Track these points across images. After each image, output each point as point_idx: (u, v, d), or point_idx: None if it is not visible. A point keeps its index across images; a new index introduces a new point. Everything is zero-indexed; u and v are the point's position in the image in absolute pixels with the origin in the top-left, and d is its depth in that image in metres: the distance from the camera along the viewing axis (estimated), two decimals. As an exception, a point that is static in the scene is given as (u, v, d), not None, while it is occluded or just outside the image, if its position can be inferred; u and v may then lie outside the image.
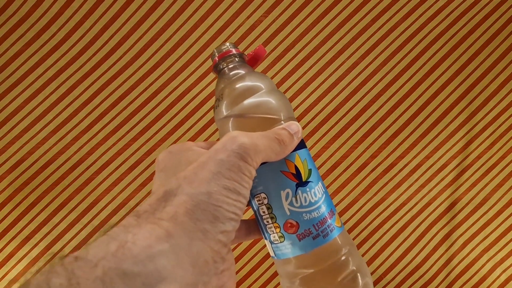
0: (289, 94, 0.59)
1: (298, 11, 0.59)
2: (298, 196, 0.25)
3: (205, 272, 0.20)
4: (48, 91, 0.58)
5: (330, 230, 0.25)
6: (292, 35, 0.59)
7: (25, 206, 0.59)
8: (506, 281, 0.60)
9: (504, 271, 0.60)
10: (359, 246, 0.60)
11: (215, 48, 0.30)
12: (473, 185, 0.60)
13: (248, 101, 0.26)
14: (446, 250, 0.60)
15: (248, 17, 0.59)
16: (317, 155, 0.60)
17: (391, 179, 0.60)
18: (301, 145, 0.27)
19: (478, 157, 0.60)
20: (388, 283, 0.60)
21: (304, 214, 0.25)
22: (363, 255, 0.60)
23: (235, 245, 0.60)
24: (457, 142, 0.60)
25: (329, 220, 0.25)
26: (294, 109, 0.59)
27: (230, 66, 0.29)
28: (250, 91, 0.27)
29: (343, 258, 0.25)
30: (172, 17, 0.59)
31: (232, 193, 0.21)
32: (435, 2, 0.60)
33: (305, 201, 0.25)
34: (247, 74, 0.28)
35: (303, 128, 0.60)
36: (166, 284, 0.18)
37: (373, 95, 0.60)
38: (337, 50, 0.60)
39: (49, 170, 0.59)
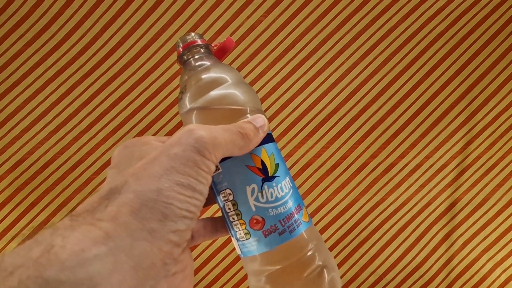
0: (289, 94, 0.59)
1: (298, 11, 0.59)
2: (264, 192, 0.24)
3: (152, 276, 0.18)
4: (48, 91, 0.58)
5: (297, 225, 0.24)
6: (292, 35, 0.59)
7: (25, 206, 0.59)
8: (506, 281, 0.60)
9: (504, 271, 0.60)
10: (359, 246, 0.60)
11: (180, 38, 0.28)
12: (473, 185, 0.60)
13: (213, 93, 0.25)
14: (446, 250, 0.60)
15: (248, 17, 0.59)
16: (317, 155, 0.60)
17: (391, 179, 0.60)
18: (269, 139, 0.26)
19: (478, 157, 0.60)
20: (388, 283, 0.60)
21: (270, 210, 0.24)
22: (363, 255, 0.60)
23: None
24: (457, 142, 0.60)
25: (296, 215, 0.25)
26: (294, 109, 0.59)
27: (195, 57, 0.27)
28: (215, 83, 0.25)
29: (309, 253, 0.25)
30: (172, 17, 0.59)
31: (186, 189, 0.19)
32: (435, 2, 0.60)
33: (271, 196, 0.24)
34: (212, 65, 0.27)
35: (303, 128, 0.60)
36: None
37: (373, 95, 0.60)
38: (337, 50, 0.60)
39: (49, 170, 0.59)
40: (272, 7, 0.59)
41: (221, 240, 0.59)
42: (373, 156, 0.60)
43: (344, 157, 0.60)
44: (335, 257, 0.60)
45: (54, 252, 0.16)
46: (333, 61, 0.60)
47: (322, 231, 0.60)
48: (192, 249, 0.59)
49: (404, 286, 0.60)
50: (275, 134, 0.59)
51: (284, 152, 0.59)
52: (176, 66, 0.59)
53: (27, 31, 0.58)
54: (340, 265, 0.60)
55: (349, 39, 0.60)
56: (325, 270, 0.25)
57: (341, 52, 0.60)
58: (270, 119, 0.59)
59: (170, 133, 0.59)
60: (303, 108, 0.59)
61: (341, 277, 0.60)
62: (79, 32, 0.58)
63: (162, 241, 0.18)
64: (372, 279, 0.60)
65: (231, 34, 0.59)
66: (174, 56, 0.59)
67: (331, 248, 0.60)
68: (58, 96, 0.58)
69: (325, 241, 0.60)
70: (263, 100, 0.59)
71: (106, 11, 0.58)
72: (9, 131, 0.58)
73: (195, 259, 0.59)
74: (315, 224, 0.60)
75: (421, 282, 0.60)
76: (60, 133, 0.59)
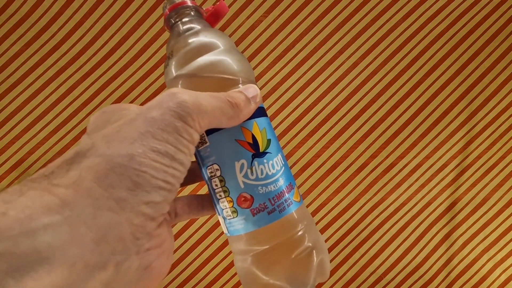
0: (289, 94, 0.59)
1: (298, 11, 0.59)
2: (254, 168, 0.23)
3: (119, 250, 0.16)
4: (48, 91, 0.58)
5: (287, 204, 0.23)
6: (292, 35, 0.59)
7: (25, 206, 0.58)
8: (506, 281, 0.60)
9: (504, 271, 0.60)
10: (359, 246, 0.60)
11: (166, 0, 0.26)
12: (473, 185, 0.60)
13: (201, 60, 0.23)
14: (446, 250, 0.60)
15: (248, 17, 0.59)
16: (317, 155, 0.60)
17: (391, 179, 0.60)
18: (261, 113, 0.24)
19: (478, 157, 0.60)
20: (388, 283, 0.60)
21: (259, 187, 0.23)
22: (363, 255, 0.60)
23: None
24: (457, 142, 0.60)
25: (286, 194, 0.23)
26: (294, 109, 0.59)
27: (183, 20, 0.25)
28: (205, 49, 0.23)
29: (299, 234, 0.23)
30: (172, 17, 0.59)
31: (163, 157, 0.17)
32: (435, 2, 0.60)
33: (262, 173, 0.23)
34: (202, 30, 0.25)
35: (304, 128, 0.60)
36: (47, 267, 0.13)
37: (373, 95, 0.60)
38: (337, 50, 0.60)
39: (49, 170, 0.59)
40: (272, 7, 0.59)
41: (221, 240, 0.59)
42: (373, 156, 0.60)
43: (344, 157, 0.60)
44: (335, 257, 0.60)
45: None
46: (333, 61, 0.60)
47: (322, 231, 0.60)
48: (192, 249, 0.59)
49: (404, 286, 0.60)
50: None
51: (284, 152, 0.59)
52: (176, 66, 0.59)
53: (27, 31, 0.58)
54: (340, 265, 0.60)
55: (349, 39, 0.60)
56: (314, 251, 0.24)
57: (341, 52, 0.60)
58: (270, 119, 0.59)
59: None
60: (303, 108, 0.59)
61: (341, 277, 0.60)
62: (79, 32, 0.58)
63: (132, 212, 0.16)
64: (372, 279, 0.60)
65: (231, 35, 0.59)
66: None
67: (331, 248, 0.60)
68: (58, 96, 0.58)
69: (325, 241, 0.60)
70: (263, 100, 0.59)
71: (106, 11, 0.58)
72: (9, 131, 0.58)
73: (195, 259, 0.59)
74: (315, 224, 0.60)
75: (421, 282, 0.60)
76: (60, 133, 0.59)
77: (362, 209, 0.60)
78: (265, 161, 0.23)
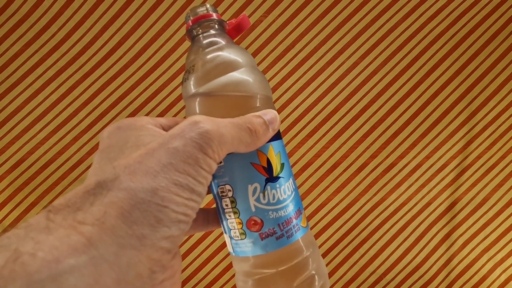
0: (289, 94, 0.59)
1: (298, 11, 0.59)
2: (266, 192, 0.23)
3: (137, 287, 0.16)
4: (48, 91, 0.58)
5: (295, 230, 0.23)
6: (292, 35, 0.59)
7: (25, 206, 0.59)
8: (506, 281, 0.60)
9: (504, 271, 0.60)
10: (359, 246, 0.60)
11: (190, 9, 0.25)
12: (473, 185, 0.60)
13: (222, 79, 0.23)
14: (446, 250, 0.60)
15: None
16: (317, 155, 0.60)
17: (391, 179, 0.60)
18: (277, 136, 0.24)
19: (478, 157, 0.60)
20: (388, 283, 0.60)
21: (270, 212, 0.23)
22: (363, 255, 0.60)
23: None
24: (457, 142, 0.60)
25: (295, 220, 0.24)
26: (294, 109, 0.59)
27: (205, 34, 0.25)
28: (227, 67, 0.23)
29: (304, 260, 0.24)
30: (172, 17, 0.59)
31: (183, 191, 0.18)
32: (435, 2, 0.60)
33: (273, 198, 0.23)
34: (226, 46, 0.24)
35: (303, 128, 0.60)
36: None
37: (373, 95, 0.60)
38: (337, 50, 0.60)
39: (49, 170, 0.59)
40: (272, 7, 0.59)
41: (221, 240, 0.59)
42: (373, 156, 0.60)
43: (344, 157, 0.60)
44: (335, 257, 0.60)
45: (21, 262, 0.13)
46: (333, 61, 0.60)
47: (322, 231, 0.60)
48: (192, 249, 0.59)
49: (404, 286, 0.60)
50: (275, 134, 0.59)
51: (284, 152, 0.59)
52: (177, 66, 0.59)
53: (27, 31, 0.58)
54: (340, 265, 0.60)
55: (349, 39, 0.60)
56: (316, 277, 0.24)
57: (341, 52, 0.60)
58: (270, 119, 0.59)
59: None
60: (303, 108, 0.59)
61: (341, 277, 0.60)
62: (79, 32, 0.58)
63: (152, 248, 0.16)
64: (372, 279, 0.60)
65: (231, 34, 0.59)
66: (174, 56, 0.59)
67: (330, 249, 0.60)
68: (58, 96, 0.58)
69: (325, 241, 0.60)
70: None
71: (106, 11, 0.58)
72: (9, 131, 0.58)
73: (195, 259, 0.59)
74: (315, 224, 0.60)
75: (421, 282, 0.60)
76: (60, 133, 0.59)
77: (362, 209, 0.60)
78: (277, 186, 0.23)
